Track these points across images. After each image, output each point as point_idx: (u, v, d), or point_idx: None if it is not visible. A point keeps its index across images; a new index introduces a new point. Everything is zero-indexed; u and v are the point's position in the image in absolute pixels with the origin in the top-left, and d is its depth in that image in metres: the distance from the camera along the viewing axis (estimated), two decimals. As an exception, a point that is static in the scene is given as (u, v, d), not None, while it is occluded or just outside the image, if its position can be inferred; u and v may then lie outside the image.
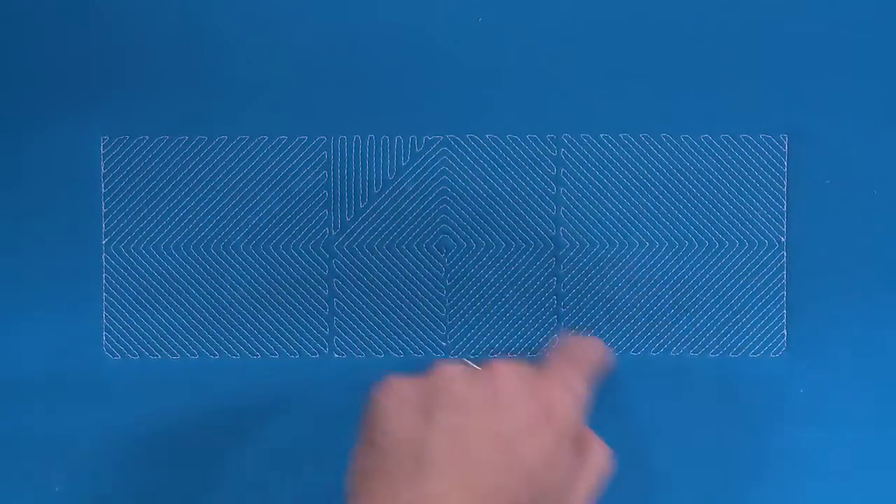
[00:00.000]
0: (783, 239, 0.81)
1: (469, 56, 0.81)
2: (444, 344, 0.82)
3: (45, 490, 0.82)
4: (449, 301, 0.82)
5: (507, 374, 0.61)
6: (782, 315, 0.81)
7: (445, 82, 0.81)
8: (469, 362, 0.70)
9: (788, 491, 0.81)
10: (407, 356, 0.82)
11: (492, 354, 0.82)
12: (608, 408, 0.82)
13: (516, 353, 0.82)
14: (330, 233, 0.82)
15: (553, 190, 0.82)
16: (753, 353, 0.82)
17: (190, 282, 0.82)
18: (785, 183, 0.81)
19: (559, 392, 0.63)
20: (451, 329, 0.82)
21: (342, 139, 0.81)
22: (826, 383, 0.81)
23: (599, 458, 0.64)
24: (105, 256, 0.82)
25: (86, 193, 0.81)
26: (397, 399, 0.59)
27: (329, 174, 0.82)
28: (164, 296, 0.82)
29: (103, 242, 0.82)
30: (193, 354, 0.82)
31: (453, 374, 0.60)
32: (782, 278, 0.81)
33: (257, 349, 0.82)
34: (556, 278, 0.82)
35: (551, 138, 0.81)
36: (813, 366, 0.81)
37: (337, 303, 0.82)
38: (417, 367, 0.82)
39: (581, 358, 0.71)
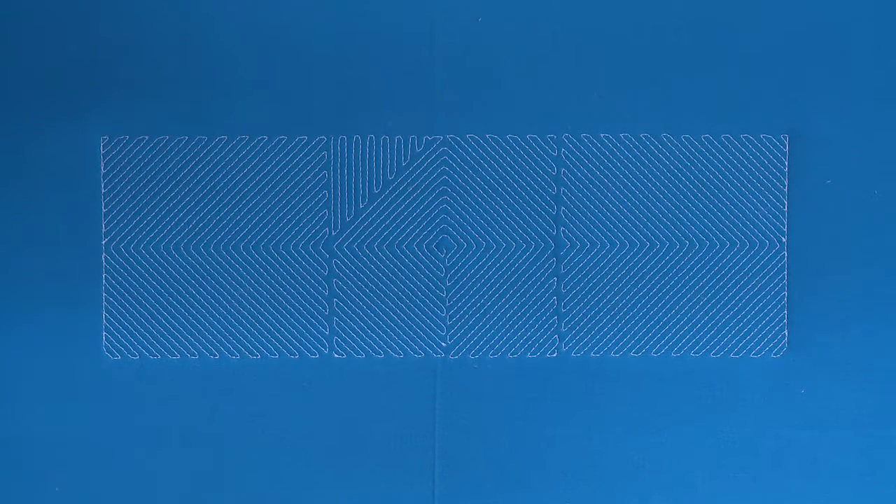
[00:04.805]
0: (784, 239, 0.81)
1: (469, 56, 0.81)
2: (444, 344, 0.82)
3: (45, 490, 0.82)
4: (449, 301, 0.82)
5: None
6: (783, 315, 0.81)
7: (445, 82, 0.81)
8: None
9: (788, 491, 0.81)
10: (407, 356, 0.82)
11: (492, 355, 0.82)
12: (609, 408, 0.82)
13: (516, 355, 0.82)
14: (330, 233, 0.82)
15: (553, 190, 0.82)
16: (754, 354, 0.82)
17: (190, 282, 0.82)
18: (786, 183, 0.81)
19: None
20: (451, 329, 0.82)
21: (342, 139, 0.81)
22: (826, 383, 0.81)
23: None
24: (105, 256, 0.82)
25: (86, 193, 0.81)
26: None
27: (329, 174, 0.82)
28: (164, 296, 0.82)
29: (103, 242, 0.82)
30: (193, 354, 0.82)
31: None
32: (783, 278, 0.81)
33: (257, 349, 0.82)
34: (556, 278, 0.82)
35: (551, 138, 0.81)
36: (813, 366, 0.81)
37: (337, 303, 0.82)
38: (417, 367, 0.82)
39: None
